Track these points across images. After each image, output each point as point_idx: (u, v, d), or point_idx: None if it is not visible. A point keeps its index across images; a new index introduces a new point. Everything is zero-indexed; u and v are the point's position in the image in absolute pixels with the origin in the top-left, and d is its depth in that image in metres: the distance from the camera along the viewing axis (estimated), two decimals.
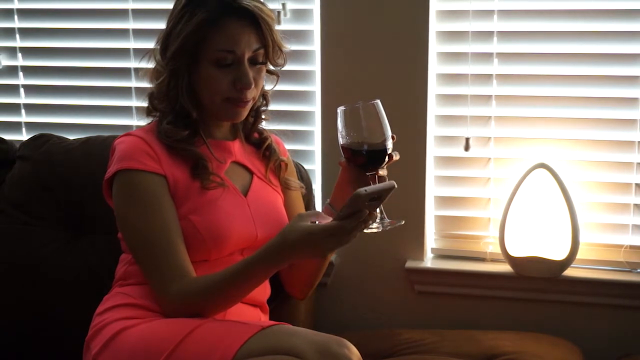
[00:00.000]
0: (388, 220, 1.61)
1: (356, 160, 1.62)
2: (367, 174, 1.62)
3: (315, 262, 1.86)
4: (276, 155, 1.90)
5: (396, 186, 1.51)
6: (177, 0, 1.74)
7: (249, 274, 1.62)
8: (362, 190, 1.45)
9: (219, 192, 1.75)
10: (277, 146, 1.93)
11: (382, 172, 1.64)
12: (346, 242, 1.53)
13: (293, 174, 1.97)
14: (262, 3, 1.72)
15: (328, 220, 1.55)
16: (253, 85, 1.72)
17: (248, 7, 1.68)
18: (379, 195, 1.49)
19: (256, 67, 1.73)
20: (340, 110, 1.58)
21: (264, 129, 1.92)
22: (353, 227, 1.51)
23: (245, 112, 1.78)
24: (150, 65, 1.80)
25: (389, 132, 1.59)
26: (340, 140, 1.59)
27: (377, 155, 1.59)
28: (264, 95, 1.86)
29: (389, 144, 1.60)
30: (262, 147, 1.89)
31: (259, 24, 1.69)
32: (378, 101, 1.59)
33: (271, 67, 1.80)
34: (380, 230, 1.60)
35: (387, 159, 1.62)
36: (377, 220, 1.61)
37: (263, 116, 1.89)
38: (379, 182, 1.62)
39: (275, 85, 1.87)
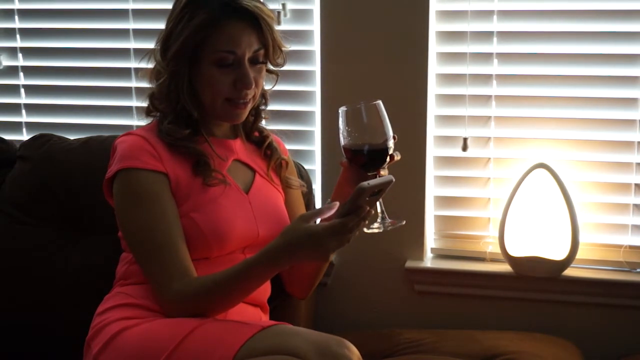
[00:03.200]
0: (389, 221, 1.62)
1: (357, 161, 1.62)
2: (369, 174, 1.63)
3: (316, 262, 1.86)
4: (277, 154, 1.90)
5: (394, 180, 1.52)
6: (177, 1, 1.74)
7: (250, 276, 1.62)
8: (365, 183, 1.46)
9: (221, 190, 1.76)
10: (278, 145, 1.93)
11: (383, 172, 1.64)
12: (347, 241, 1.53)
13: (294, 173, 1.98)
14: (262, 3, 1.73)
15: (331, 212, 1.55)
16: (254, 85, 1.73)
17: (248, 7, 1.68)
18: (379, 189, 1.50)
19: (256, 67, 1.74)
20: (341, 110, 1.59)
21: (264, 128, 1.92)
22: (354, 225, 1.51)
23: (245, 114, 1.78)
24: (151, 65, 1.80)
25: (391, 133, 1.60)
26: (342, 141, 1.60)
27: (379, 155, 1.60)
28: (263, 95, 1.87)
29: (391, 144, 1.60)
30: (263, 145, 1.90)
31: (259, 25, 1.70)
32: (380, 102, 1.60)
33: (271, 67, 1.80)
34: (381, 231, 1.61)
35: (388, 159, 1.62)
36: (378, 220, 1.62)
37: (262, 115, 1.90)
38: None
39: (274, 85, 1.87)
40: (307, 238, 1.54)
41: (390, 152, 1.61)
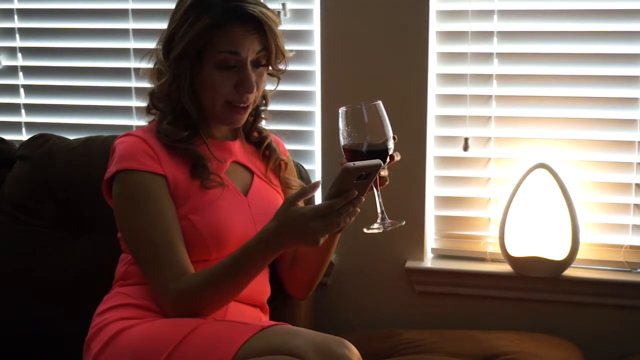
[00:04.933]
0: (389, 221, 1.62)
1: (357, 161, 1.62)
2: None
3: (316, 262, 1.86)
4: (276, 155, 1.90)
5: (383, 165, 1.53)
6: (181, 2, 1.73)
7: (244, 262, 1.61)
8: (350, 164, 1.46)
9: (219, 192, 1.75)
10: (277, 146, 1.93)
11: (383, 172, 1.64)
12: (336, 224, 1.53)
13: (293, 174, 1.98)
14: (267, 8, 1.72)
15: (315, 191, 1.56)
16: (255, 89, 1.72)
17: (254, 13, 1.68)
18: (367, 172, 1.50)
19: (258, 70, 1.74)
20: (341, 110, 1.59)
21: (264, 129, 1.92)
22: (341, 207, 1.51)
23: (244, 118, 1.78)
24: (151, 64, 1.80)
25: (391, 133, 1.60)
26: (342, 141, 1.60)
27: (379, 155, 1.59)
28: (264, 96, 1.87)
29: (391, 144, 1.60)
30: (262, 146, 1.90)
31: (263, 30, 1.69)
32: (380, 102, 1.60)
33: (272, 70, 1.80)
34: (381, 231, 1.61)
35: (388, 159, 1.62)
36: (378, 220, 1.62)
37: (262, 116, 1.90)
38: (380, 183, 1.63)
39: (276, 87, 1.87)
40: (295, 220, 1.54)
41: (391, 152, 1.61)
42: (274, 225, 1.58)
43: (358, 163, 1.48)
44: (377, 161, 1.51)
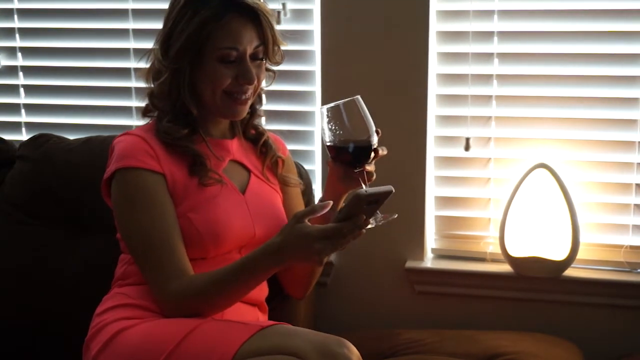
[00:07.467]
0: (381, 215, 1.61)
1: (342, 158, 1.62)
2: (355, 170, 1.62)
3: (310, 265, 1.86)
4: (272, 152, 1.90)
5: (394, 191, 1.52)
6: (175, 1, 1.73)
7: (246, 273, 1.62)
8: (362, 191, 1.46)
9: (217, 190, 1.76)
10: (277, 144, 1.93)
11: (370, 167, 1.64)
12: (340, 246, 1.54)
13: (293, 172, 1.98)
14: (261, 1, 1.73)
15: (324, 211, 1.56)
16: (255, 81, 1.73)
17: (249, 2, 1.69)
18: (377, 198, 1.50)
19: (256, 62, 1.75)
20: (322, 109, 1.59)
21: (260, 126, 1.92)
22: (349, 231, 1.51)
23: (245, 110, 1.79)
24: (148, 65, 1.80)
25: (373, 127, 1.59)
26: (326, 140, 1.60)
27: (363, 151, 1.59)
28: (259, 93, 1.87)
29: (374, 140, 1.59)
30: (259, 143, 1.90)
31: (259, 21, 1.71)
32: (359, 97, 1.59)
33: (269, 65, 1.81)
34: (374, 226, 1.60)
35: (373, 154, 1.62)
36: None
37: (258, 112, 1.90)
38: (367, 178, 1.63)
39: (271, 84, 1.87)
40: (300, 239, 1.54)
41: (374, 147, 1.61)
42: (279, 240, 1.58)
43: (370, 190, 1.48)
44: (389, 188, 1.51)
